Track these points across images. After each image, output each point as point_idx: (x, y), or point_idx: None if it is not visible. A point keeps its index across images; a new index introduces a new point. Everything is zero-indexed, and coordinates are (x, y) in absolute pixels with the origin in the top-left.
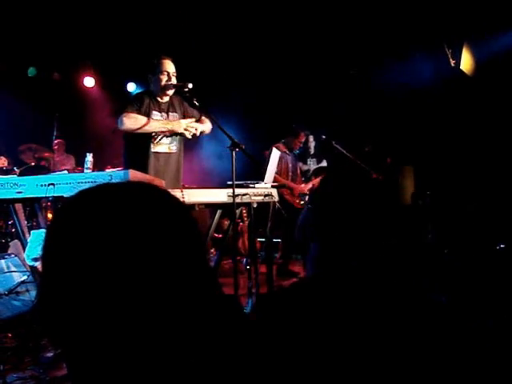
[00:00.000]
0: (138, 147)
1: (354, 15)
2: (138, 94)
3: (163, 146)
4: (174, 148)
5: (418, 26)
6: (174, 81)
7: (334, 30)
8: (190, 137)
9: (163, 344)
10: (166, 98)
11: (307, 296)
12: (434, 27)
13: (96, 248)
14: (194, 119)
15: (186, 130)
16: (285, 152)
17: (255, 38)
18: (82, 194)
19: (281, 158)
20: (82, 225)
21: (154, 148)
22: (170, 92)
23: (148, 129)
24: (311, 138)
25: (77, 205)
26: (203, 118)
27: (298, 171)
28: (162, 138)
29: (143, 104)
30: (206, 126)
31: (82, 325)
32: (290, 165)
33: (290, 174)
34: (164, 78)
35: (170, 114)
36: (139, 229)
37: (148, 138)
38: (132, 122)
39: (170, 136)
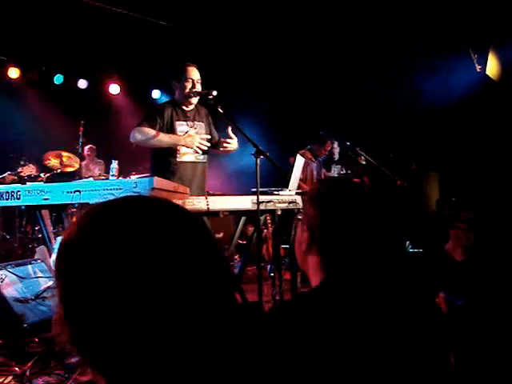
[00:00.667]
0: (164, 156)
1: (379, 22)
2: (158, 105)
3: (190, 155)
4: (200, 157)
5: (443, 32)
6: (198, 88)
7: (359, 38)
8: (199, 152)
9: (179, 353)
10: (191, 106)
11: (314, 304)
12: (460, 33)
13: (109, 261)
14: (208, 136)
15: (198, 146)
16: (310, 159)
17: (280, 45)
18: (95, 210)
19: (306, 165)
20: (95, 241)
21: (181, 158)
22: (195, 100)
23: (159, 144)
24: (336, 145)
25: (88, 225)
26: (232, 134)
27: (323, 178)
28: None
29: (163, 116)
30: (236, 145)
31: (100, 330)
32: (315, 172)
33: (315, 181)
34: (188, 86)
35: (196, 122)
36: (153, 242)
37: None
38: (142, 137)
39: None
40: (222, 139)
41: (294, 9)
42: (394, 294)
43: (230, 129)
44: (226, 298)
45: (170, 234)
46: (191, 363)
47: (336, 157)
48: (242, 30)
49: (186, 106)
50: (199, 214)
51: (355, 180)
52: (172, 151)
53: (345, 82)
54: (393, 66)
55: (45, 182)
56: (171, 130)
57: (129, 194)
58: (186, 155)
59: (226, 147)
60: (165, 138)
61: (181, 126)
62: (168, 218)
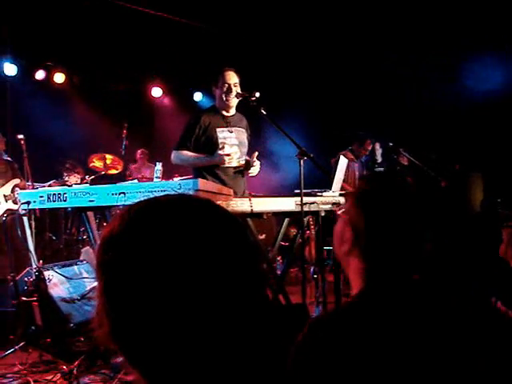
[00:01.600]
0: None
1: (420, 23)
2: (197, 115)
3: (233, 160)
4: (242, 161)
5: (487, 29)
6: (236, 91)
7: (402, 38)
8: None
9: (213, 349)
10: (232, 111)
11: (359, 313)
12: (504, 30)
13: (151, 260)
14: (245, 158)
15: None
16: (352, 160)
17: (322, 45)
18: (137, 207)
19: (348, 166)
20: (139, 238)
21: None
22: (233, 103)
23: (197, 165)
24: (378, 146)
25: (129, 220)
26: (256, 160)
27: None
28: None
29: (202, 125)
30: (257, 171)
31: (144, 329)
32: (357, 172)
33: (357, 182)
34: (226, 91)
35: (236, 128)
36: (193, 239)
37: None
38: (181, 161)
39: (239, 151)
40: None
41: (334, 11)
42: (445, 305)
43: (255, 154)
44: (260, 298)
45: (208, 233)
46: (225, 361)
47: (378, 158)
48: (281, 31)
49: (227, 111)
50: (242, 216)
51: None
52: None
53: (387, 83)
54: (435, 65)
55: (90, 184)
56: (212, 136)
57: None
58: (230, 161)
59: (248, 172)
60: (201, 162)
61: (222, 133)
62: (207, 217)
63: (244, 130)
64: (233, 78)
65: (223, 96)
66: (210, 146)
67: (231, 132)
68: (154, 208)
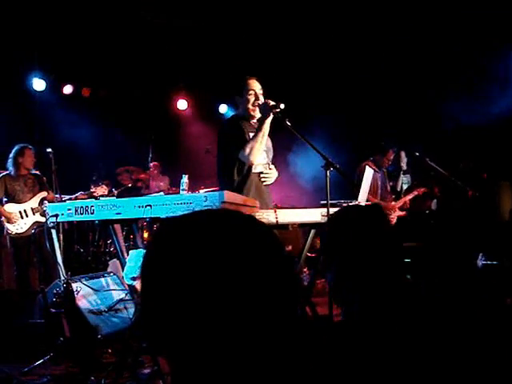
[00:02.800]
0: (241, 169)
1: (446, 34)
2: (233, 122)
3: (261, 166)
4: (271, 166)
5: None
6: (261, 100)
7: (428, 49)
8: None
9: (242, 356)
10: (255, 120)
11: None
12: None
13: (188, 269)
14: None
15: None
16: (374, 170)
17: (346, 57)
18: (175, 222)
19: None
20: (176, 250)
21: (255, 168)
22: (258, 113)
23: (263, 140)
24: (403, 154)
25: (170, 233)
26: (272, 166)
27: (388, 189)
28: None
29: (241, 128)
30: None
31: (179, 334)
32: (380, 182)
33: (379, 191)
34: (251, 98)
35: None
36: (229, 254)
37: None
38: (251, 150)
39: (267, 157)
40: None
41: (363, 22)
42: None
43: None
44: (291, 308)
45: (241, 248)
46: (252, 366)
47: (404, 167)
48: (303, 44)
49: (252, 119)
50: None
51: (423, 189)
52: (247, 166)
53: (414, 92)
54: (461, 74)
55: (116, 197)
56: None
57: (201, 209)
58: (259, 166)
59: (265, 178)
60: (262, 132)
61: None
62: (240, 234)
63: (268, 137)
64: (258, 85)
65: (250, 105)
66: None
67: None
68: (188, 225)
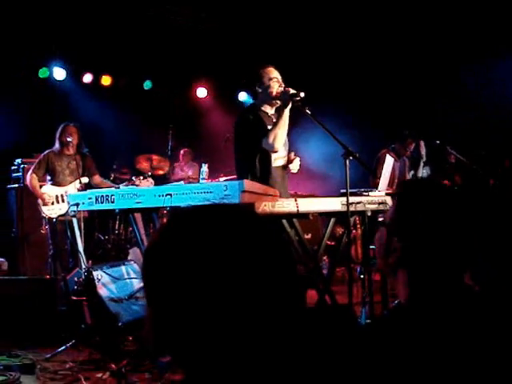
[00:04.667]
0: (263, 158)
1: (472, 23)
2: (253, 112)
3: (281, 159)
4: (286, 159)
5: None
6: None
7: (449, 37)
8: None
9: (250, 352)
10: (273, 110)
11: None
12: None
13: (194, 266)
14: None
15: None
16: (393, 158)
17: (366, 43)
18: (177, 219)
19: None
20: (183, 246)
21: (275, 163)
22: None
23: (285, 127)
24: (422, 144)
25: (169, 233)
26: (294, 156)
27: (407, 178)
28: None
29: (262, 118)
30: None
31: (189, 334)
32: (397, 172)
33: (396, 181)
34: (275, 85)
35: None
36: (235, 251)
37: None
38: (275, 137)
39: (285, 149)
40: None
41: (377, 8)
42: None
43: (292, 153)
44: (295, 303)
45: (244, 245)
46: (261, 362)
47: (424, 157)
48: (322, 30)
49: (271, 108)
50: (289, 216)
51: (444, 181)
52: (268, 157)
53: (433, 80)
54: (481, 61)
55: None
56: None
57: (211, 203)
58: (278, 160)
59: (289, 168)
60: (283, 120)
61: None
62: (243, 229)
63: None
64: (277, 73)
65: (275, 91)
66: None
67: None
68: (193, 221)
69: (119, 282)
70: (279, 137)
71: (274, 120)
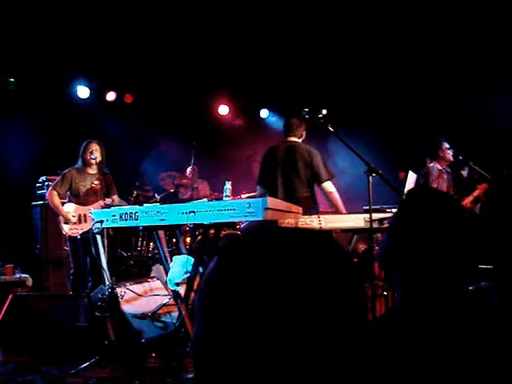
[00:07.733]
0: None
1: (491, 38)
2: None
3: None
4: None
5: None
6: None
7: (469, 46)
8: None
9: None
10: None
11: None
12: None
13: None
14: None
15: None
16: (443, 168)
17: (385, 57)
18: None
19: (439, 176)
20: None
21: None
22: None
23: None
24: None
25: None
26: None
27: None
28: None
29: None
30: None
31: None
32: (446, 184)
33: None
34: None
35: None
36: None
37: None
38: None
39: None
40: None
41: (394, 25)
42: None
43: None
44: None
45: (311, 271)
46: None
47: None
48: (342, 45)
49: None
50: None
51: (485, 185)
52: None
53: (458, 96)
54: (502, 76)
55: (159, 203)
56: None
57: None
58: None
59: None
60: None
61: None
62: (310, 256)
63: None
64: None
65: None
66: None
67: None
68: (247, 250)
69: (143, 298)
70: None
71: None
